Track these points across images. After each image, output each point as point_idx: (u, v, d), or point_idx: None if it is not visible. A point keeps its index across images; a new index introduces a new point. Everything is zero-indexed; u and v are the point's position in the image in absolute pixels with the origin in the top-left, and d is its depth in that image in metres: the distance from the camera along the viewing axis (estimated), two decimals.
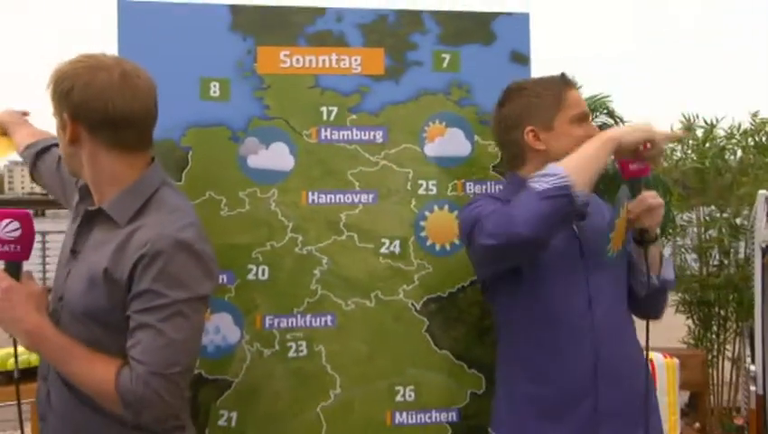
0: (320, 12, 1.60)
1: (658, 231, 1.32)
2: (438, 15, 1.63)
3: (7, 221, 1.14)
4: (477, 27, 1.63)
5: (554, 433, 1.30)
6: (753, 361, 2.26)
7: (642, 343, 1.36)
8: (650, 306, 1.41)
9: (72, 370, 1.09)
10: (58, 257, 1.29)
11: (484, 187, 1.61)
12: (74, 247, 1.20)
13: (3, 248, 1.13)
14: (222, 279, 1.54)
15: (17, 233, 1.14)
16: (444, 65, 1.62)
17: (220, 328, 1.53)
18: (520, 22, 1.64)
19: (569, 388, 1.30)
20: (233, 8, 1.57)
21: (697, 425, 2.70)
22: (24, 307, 1.09)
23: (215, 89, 1.56)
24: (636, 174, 1.28)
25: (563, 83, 1.36)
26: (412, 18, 1.62)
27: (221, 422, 1.52)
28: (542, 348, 1.32)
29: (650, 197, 1.28)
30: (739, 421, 2.56)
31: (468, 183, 1.61)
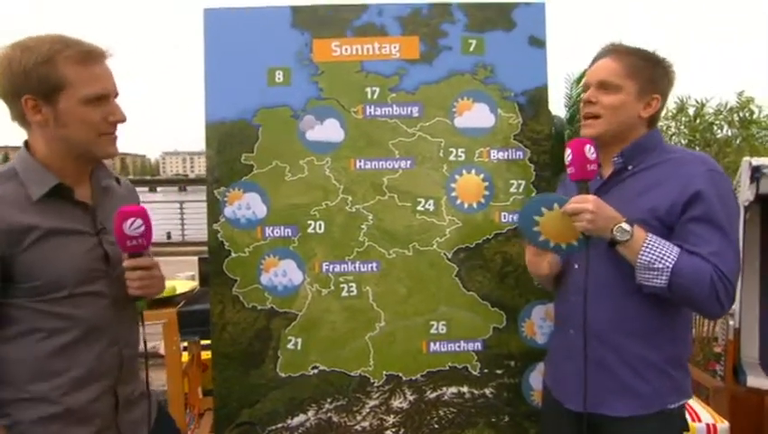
0: (364, 8, 1.57)
1: (614, 235, 1.09)
2: (465, 6, 1.57)
3: (132, 219, 1.06)
4: (499, 16, 1.57)
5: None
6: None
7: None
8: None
9: None
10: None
11: (507, 154, 1.58)
12: None
13: (132, 243, 1.06)
14: (287, 232, 1.57)
15: (141, 229, 1.06)
16: (471, 49, 1.57)
17: (287, 272, 1.56)
18: (537, 10, 1.57)
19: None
20: (293, 9, 1.56)
21: None
22: None
23: (279, 76, 1.56)
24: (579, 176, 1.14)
25: None
26: (442, 9, 1.57)
27: (290, 346, 1.56)
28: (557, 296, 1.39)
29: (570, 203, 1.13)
30: (718, 349, 2.49)
31: (492, 151, 1.58)
